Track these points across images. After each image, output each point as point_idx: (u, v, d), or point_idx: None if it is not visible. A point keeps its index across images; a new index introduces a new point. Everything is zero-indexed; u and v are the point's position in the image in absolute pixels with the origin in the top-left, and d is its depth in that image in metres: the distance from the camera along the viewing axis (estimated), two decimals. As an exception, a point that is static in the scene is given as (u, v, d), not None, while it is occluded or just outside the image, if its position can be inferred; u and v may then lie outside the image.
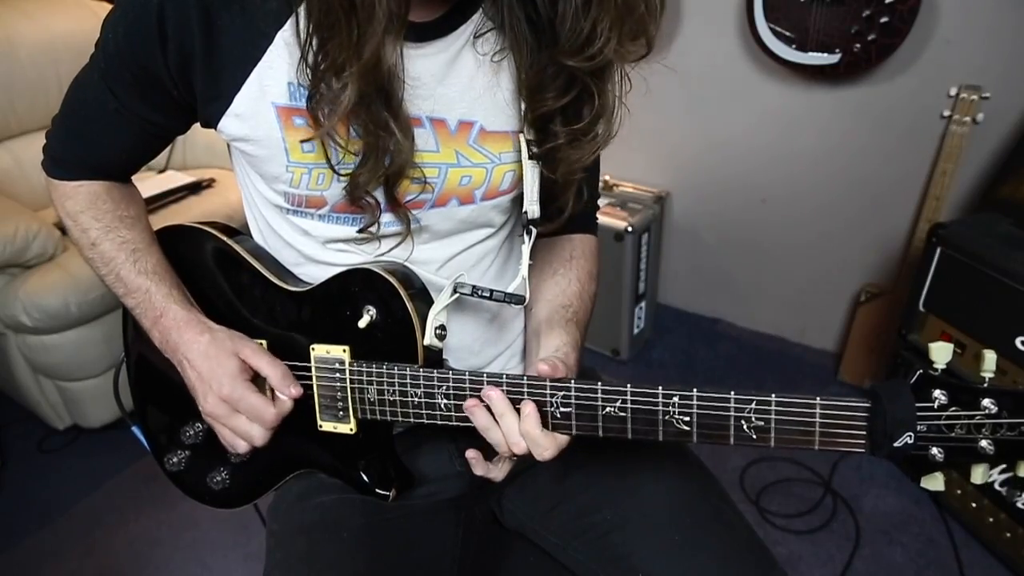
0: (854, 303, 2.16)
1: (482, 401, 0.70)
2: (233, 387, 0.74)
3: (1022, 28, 1.68)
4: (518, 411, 0.68)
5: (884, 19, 1.72)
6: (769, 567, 0.77)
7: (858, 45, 1.78)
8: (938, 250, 1.60)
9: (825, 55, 1.83)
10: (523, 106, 0.74)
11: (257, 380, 0.76)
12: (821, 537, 1.69)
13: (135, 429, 0.96)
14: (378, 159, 0.68)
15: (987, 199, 1.78)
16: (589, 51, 0.66)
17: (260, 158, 0.72)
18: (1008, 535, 1.55)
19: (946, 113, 1.77)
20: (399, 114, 0.67)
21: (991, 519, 1.58)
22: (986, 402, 0.56)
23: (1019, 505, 1.51)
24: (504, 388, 0.69)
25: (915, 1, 1.67)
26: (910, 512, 1.73)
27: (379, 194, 0.72)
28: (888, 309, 2.02)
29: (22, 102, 2.16)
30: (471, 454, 0.77)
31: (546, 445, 0.68)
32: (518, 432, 0.68)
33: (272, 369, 0.75)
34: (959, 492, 1.64)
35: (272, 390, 0.76)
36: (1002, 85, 1.72)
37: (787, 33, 1.87)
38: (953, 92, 1.74)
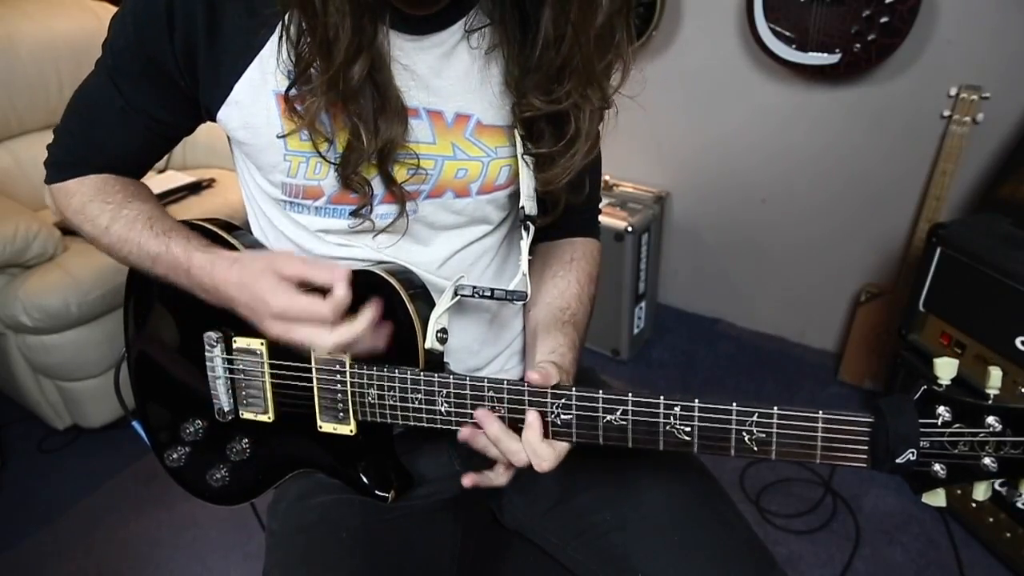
0: (854, 303, 2.16)
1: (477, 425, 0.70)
2: (276, 299, 0.67)
3: (1022, 28, 1.68)
4: (520, 423, 0.68)
5: (884, 19, 1.72)
6: (769, 567, 0.78)
7: (858, 45, 1.78)
8: (938, 250, 1.60)
9: (825, 55, 1.83)
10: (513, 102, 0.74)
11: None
12: (821, 537, 1.70)
13: (135, 424, 0.96)
14: (365, 135, 0.67)
15: (987, 199, 1.78)
16: (555, 93, 0.69)
17: (258, 147, 0.72)
18: (1008, 535, 1.55)
19: (946, 113, 1.77)
20: (388, 97, 0.67)
21: (991, 519, 1.58)
22: (990, 419, 0.56)
23: (1019, 505, 1.50)
24: (505, 394, 0.68)
25: (915, 1, 1.67)
26: (910, 512, 1.73)
27: (376, 182, 0.72)
28: (888, 309, 2.02)
29: (22, 102, 2.16)
30: (468, 482, 0.77)
31: (544, 456, 0.67)
32: (517, 449, 0.68)
33: (313, 270, 0.68)
34: (959, 492, 1.64)
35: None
36: (1002, 85, 1.71)
37: (787, 33, 1.87)
38: (953, 92, 1.74)
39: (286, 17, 0.64)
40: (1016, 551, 1.54)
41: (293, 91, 0.66)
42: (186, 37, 0.67)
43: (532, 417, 0.68)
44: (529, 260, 0.78)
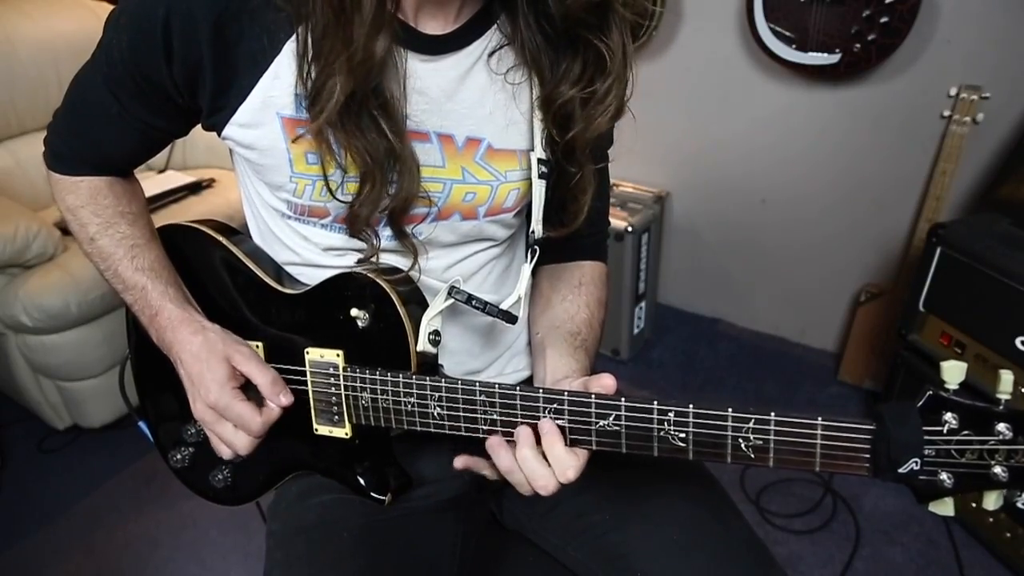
0: (854, 303, 2.16)
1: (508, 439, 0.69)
2: (220, 394, 0.72)
3: (1022, 28, 1.68)
4: (511, 427, 0.67)
5: (884, 19, 1.71)
6: (768, 567, 0.77)
7: (858, 45, 1.78)
8: (938, 250, 1.60)
9: (825, 55, 1.83)
10: (537, 124, 0.73)
11: (249, 386, 0.75)
12: (821, 537, 1.69)
13: (141, 424, 0.96)
14: (376, 188, 0.67)
15: (987, 199, 1.78)
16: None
17: (265, 167, 0.72)
18: (1008, 535, 1.55)
19: (946, 113, 1.77)
20: (394, 119, 0.66)
21: (991, 519, 1.58)
22: (1001, 426, 0.52)
23: (1019, 505, 1.51)
24: (497, 399, 0.67)
25: (915, 1, 1.67)
26: (910, 512, 1.73)
27: (380, 227, 0.73)
28: (888, 309, 2.01)
29: (22, 102, 2.16)
30: (460, 464, 0.77)
31: (570, 463, 0.65)
32: (545, 472, 0.66)
33: (262, 376, 0.73)
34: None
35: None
36: (1002, 85, 1.71)
37: (787, 33, 1.87)
38: (953, 92, 1.74)
39: (299, 29, 0.63)
40: (1016, 551, 1.54)
41: (302, 112, 0.65)
42: (186, 61, 0.66)
43: (549, 425, 0.65)
44: (532, 283, 0.78)
